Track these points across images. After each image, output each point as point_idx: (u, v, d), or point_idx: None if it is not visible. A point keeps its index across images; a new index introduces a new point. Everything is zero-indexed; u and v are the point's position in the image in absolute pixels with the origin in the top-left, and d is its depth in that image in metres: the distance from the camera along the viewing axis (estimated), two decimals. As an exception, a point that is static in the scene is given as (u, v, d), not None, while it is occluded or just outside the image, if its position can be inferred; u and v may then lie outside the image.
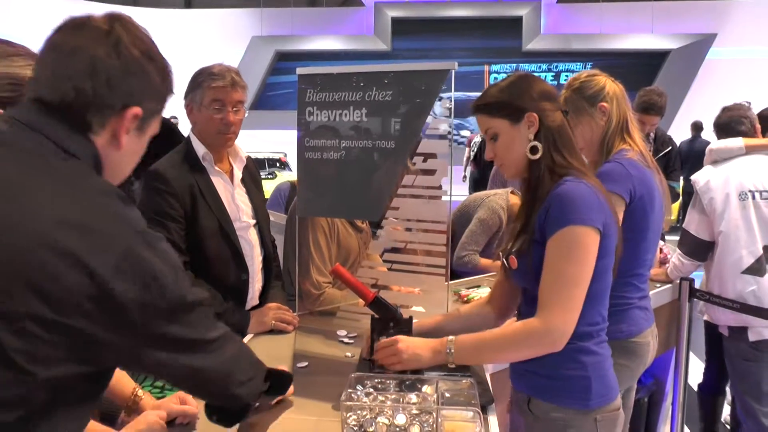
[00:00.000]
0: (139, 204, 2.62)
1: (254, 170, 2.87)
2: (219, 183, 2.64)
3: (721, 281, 3.43)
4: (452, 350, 1.91)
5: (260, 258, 2.77)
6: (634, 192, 2.44)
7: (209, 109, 2.57)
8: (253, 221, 2.75)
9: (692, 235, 3.46)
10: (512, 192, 4.05)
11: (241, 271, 2.65)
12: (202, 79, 2.59)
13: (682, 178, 6.10)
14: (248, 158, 2.81)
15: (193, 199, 2.55)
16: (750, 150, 3.45)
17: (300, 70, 2.73)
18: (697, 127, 11.34)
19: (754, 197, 3.37)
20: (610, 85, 2.57)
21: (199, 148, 2.61)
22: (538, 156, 1.92)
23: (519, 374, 2.00)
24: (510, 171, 2.02)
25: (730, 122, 3.62)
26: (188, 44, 17.73)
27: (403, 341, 2.00)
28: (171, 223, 2.51)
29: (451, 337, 1.94)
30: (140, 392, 1.78)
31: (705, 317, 3.64)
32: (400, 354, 1.96)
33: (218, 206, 2.60)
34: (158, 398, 1.82)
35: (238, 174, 2.71)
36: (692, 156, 10.03)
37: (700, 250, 3.47)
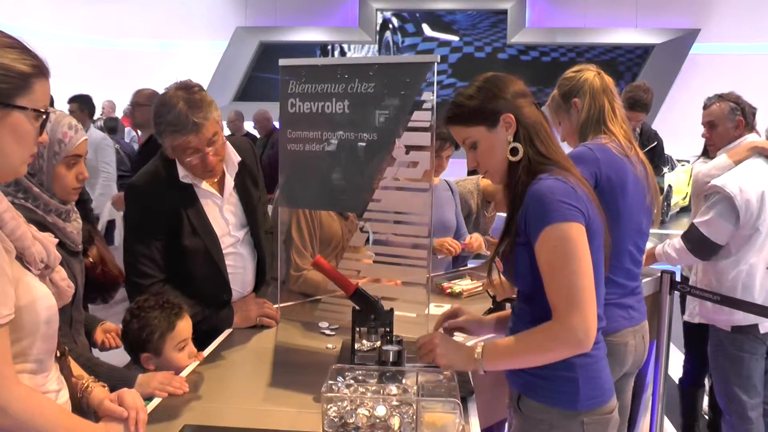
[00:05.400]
0: (124, 216, 2.60)
1: (252, 165, 2.75)
2: (207, 198, 2.56)
3: (751, 278, 3.38)
4: (481, 357, 1.87)
5: (253, 265, 2.72)
6: (600, 174, 2.45)
7: (183, 156, 2.43)
8: (245, 230, 2.67)
9: (704, 236, 3.37)
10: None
11: (224, 291, 2.61)
12: (162, 128, 2.40)
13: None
14: (249, 147, 2.73)
15: (176, 218, 2.48)
16: (737, 161, 3.48)
17: (282, 62, 2.71)
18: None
19: None
20: (589, 80, 2.59)
21: (181, 170, 2.50)
22: (519, 157, 1.88)
23: (512, 371, 1.97)
24: (495, 177, 1.97)
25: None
26: (173, 34, 17.60)
27: (441, 342, 1.97)
28: (151, 240, 2.47)
29: (480, 345, 1.89)
30: (91, 384, 1.75)
31: (697, 320, 3.61)
32: (435, 354, 1.95)
33: (204, 226, 2.52)
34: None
35: (230, 182, 2.61)
36: None
37: (709, 250, 3.40)
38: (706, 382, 4.18)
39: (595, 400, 1.88)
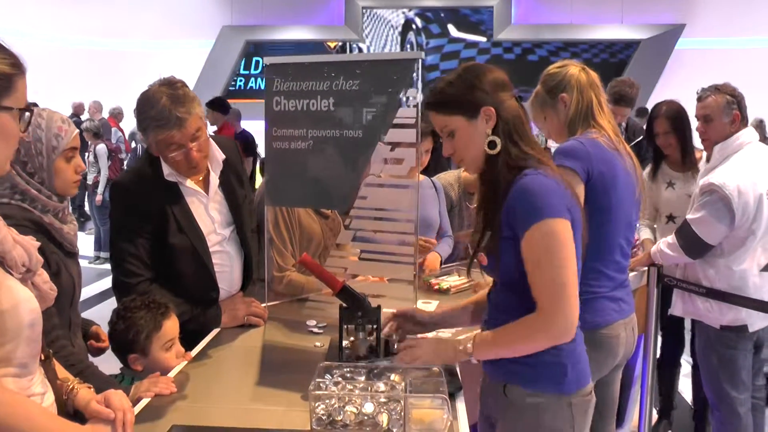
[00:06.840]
0: (109, 215, 2.59)
1: (237, 163, 2.75)
2: (192, 196, 2.56)
3: (744, 281, 3.33)
4: (470, 348, 1.92)
5: (240, 264, 2.71)
6: (592, 169, 2.45)
7: (166, 151, 2.43)
8: (231, 228, 2.66)
9: (696, 235, 3.31)
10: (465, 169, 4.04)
11: (211, 289, 2.60)
12: (146, 124, 2.41)
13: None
14: (232, 146, 2.72)
15: (162, 217, 2.48)
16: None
17: (267, 60, 2.70)
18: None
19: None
20: (575, 75, 2.59)
21: (165, 168, 2.50)
22: (497, 150, 1.89)
23: (493, 362, 1.98)
24: (471, 167, 2.00)
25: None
26: (159, 34, 17.51)
27: (422, 345, 2.01)
28: (138, 238, 2.46)
29: (470, 336, 1.95)
30: (77, 386, 1.74)
31: (681, 313, 3.61)
32: (419, 357, 1.99)
33: (190, 224, 2.52)
34: None
35: (214, 180, 2.61)
36: None
37: (700, 249, 3.36)
38: (687, 365, 4.22)
39: (579, 383, 1.94)
